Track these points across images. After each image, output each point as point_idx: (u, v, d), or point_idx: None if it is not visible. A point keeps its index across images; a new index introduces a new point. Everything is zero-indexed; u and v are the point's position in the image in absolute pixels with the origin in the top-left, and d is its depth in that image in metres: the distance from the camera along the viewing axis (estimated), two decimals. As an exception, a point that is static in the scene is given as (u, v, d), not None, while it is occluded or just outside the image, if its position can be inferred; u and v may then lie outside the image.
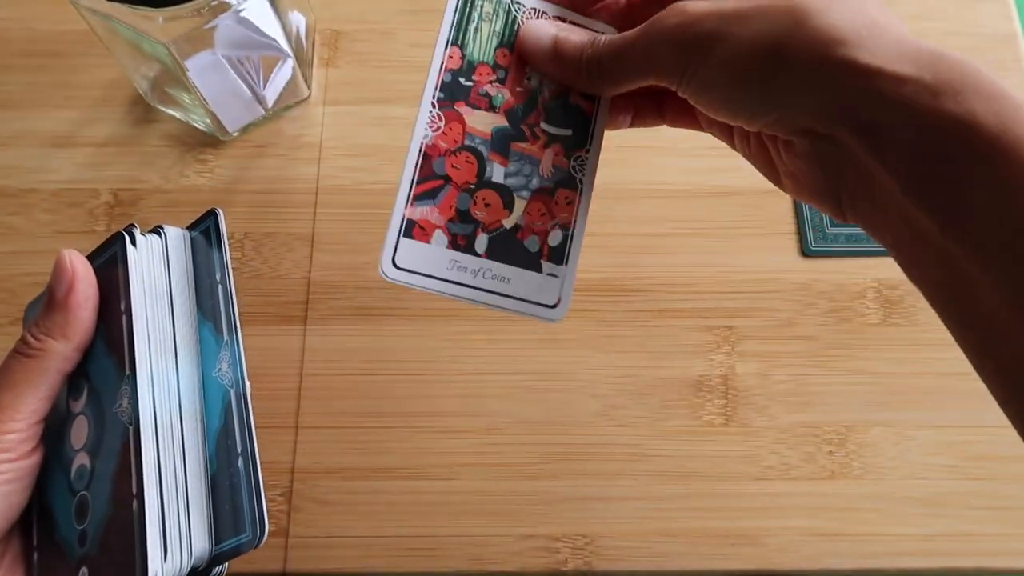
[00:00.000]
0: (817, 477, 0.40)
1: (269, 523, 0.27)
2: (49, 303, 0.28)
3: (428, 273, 0.29)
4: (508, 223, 0.30)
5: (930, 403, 0.41)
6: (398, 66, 0.48)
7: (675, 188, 0.45)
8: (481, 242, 0.30)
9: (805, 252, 0.44)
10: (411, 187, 0.30)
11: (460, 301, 0.29)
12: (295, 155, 0.46)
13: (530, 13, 0.31)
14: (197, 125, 0.46)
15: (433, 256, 0.29)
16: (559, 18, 0.31)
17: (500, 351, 0.42)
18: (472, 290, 0.29)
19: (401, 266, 0.29)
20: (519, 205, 0.30)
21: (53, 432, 0.30)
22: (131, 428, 0.27)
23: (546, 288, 0.30)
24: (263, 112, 0.46)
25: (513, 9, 0.31)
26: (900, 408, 0.41)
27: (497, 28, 0.31)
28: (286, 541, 0.39)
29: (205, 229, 0.31)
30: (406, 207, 0.29)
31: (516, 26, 0.31)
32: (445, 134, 0.30)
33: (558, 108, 0.31)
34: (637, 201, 0.45)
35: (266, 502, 0.27)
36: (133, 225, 0.30)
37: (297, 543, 0.39)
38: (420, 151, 0.30)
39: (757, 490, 0.40)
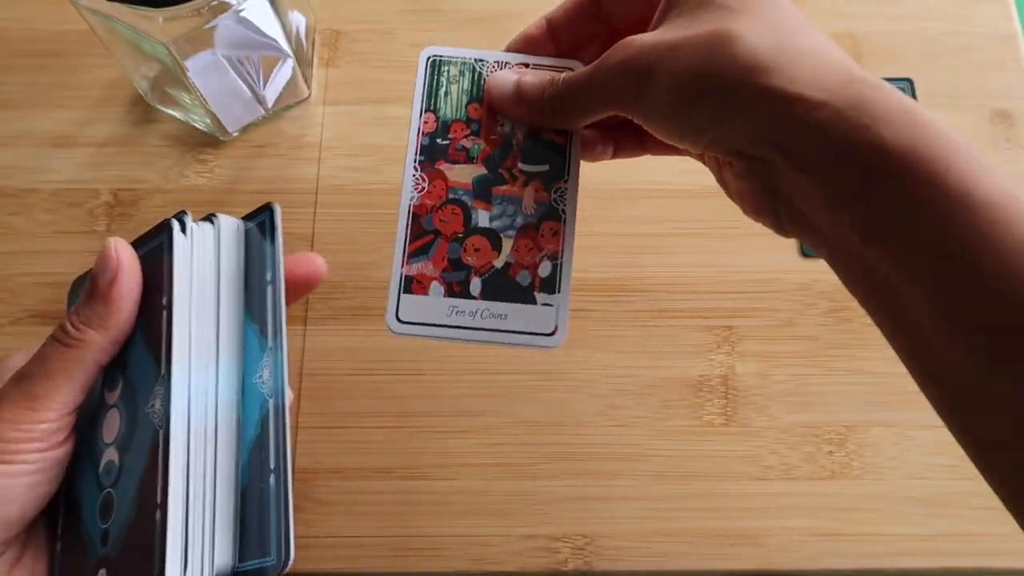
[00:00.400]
0: (817, 477, 0.40)
1: (295, 550, 0.26)
2: (91, 292, 0.28)
3: (430, 322, 0.31)
4: (498, 263, 0.32)
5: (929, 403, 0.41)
6: (398, 66, 0.48)
7: (675, 188, 0.45)
8: (475, 285, 0.32)
9: (805, 252, 0.44)
10: (405, 247, 0.32)
11: (465, 344, 0.31)
12: (295, 155, 0.46)
13: (493, 66, 0.34)
14: (197, 125, 0.46)
15: (433, 306, 0.31)
16: (523, 64, 0.34)
17: (500, 351, 0.42)
18: (473, 331, 0.31)
19: (404, 320, 0.32)
20: (507, 244, 0.32)
21: (85, 422, 0.29)
22: (161, 432, 0.26)
23: (542, 318, 0.32)
24: (263, 112, 0.46)
25: (478, 67, 0.34)
26: (900, 408, 0.41)
27: (465, 87, 0.34)
28: (286, 541, 0.39)
29: (260, 223, 0.29)
30: (403, 266, 0.32)
31: (483, 81, 0.34)
32: (430, 192, 0.33)
33: (532, 147, 0.33)
34: (637, 201, 0.45)
35: (294, 526, 0.26)
36: (185, 212, 0.28)
37: (297, 543, 0.39)
38: (409, 212, 0.32)
39: (757, 490, 0.40)
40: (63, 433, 0.27)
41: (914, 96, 0.47)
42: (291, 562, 0.25)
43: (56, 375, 0.27)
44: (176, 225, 0.27)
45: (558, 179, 0.33)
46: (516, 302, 0.32)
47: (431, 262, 0.32)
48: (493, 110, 0.33)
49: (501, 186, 0.33)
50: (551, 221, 0.33)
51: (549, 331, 0.32)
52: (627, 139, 0.34)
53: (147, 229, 0.29)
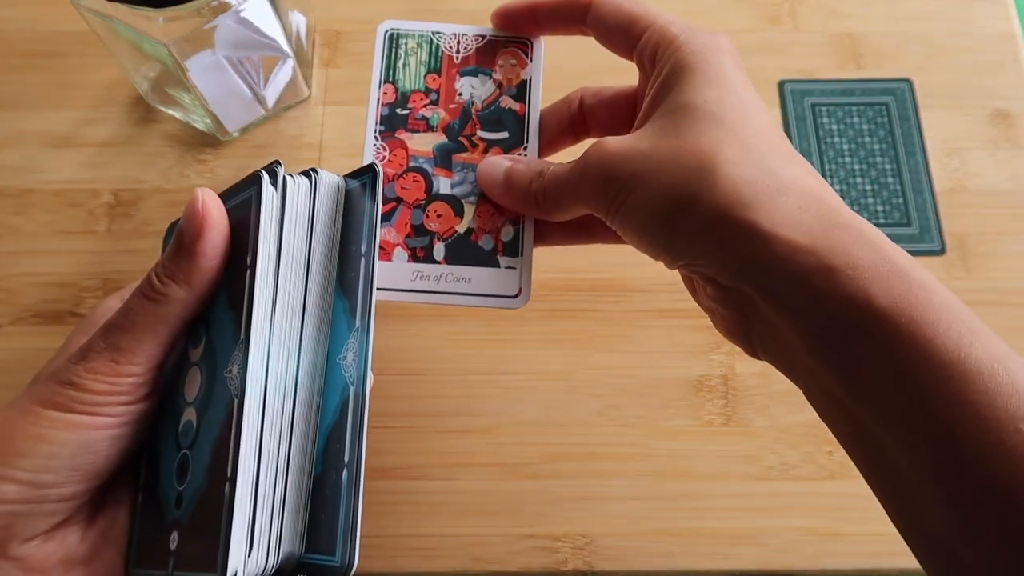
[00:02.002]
0: (817, 477, 0.40)
1: (359, 555, 0.24)
2: (177, 247, 0.27)
3: (395, 287, 0.32)
4: (461, 228, 0.33)
5: (930, 403, 0.41)
6: (398, 66, 0.48)
7: (675, 188, 0.45)
8: (439, 250, 0.33)
9: (805, 252, 0.44)
10: None
11: (431, 305, 0.32)
12: (295, 155, 0.46)
13: (450, 38, 0.35)
14: (197, 125, 0.46)
15: (397, 271, 0.32)
16: (480, 36, 0.35)
17: (500, 351, 0.42)
18: (438, 295, 0.32)
19: None
20: (468, 210, 0.33)
21: (170, 377, 0.28)
22: (236, 401, 0.24)
23: (506, 281, 0.33)
24: (263, 112, 0.46)
25: (435, 39, 0.35)
26: (900, 408, 0.41)
27: (423, 59, 0.35)
28: (286, 541, 0.39)
29: (364, 183, 0.27)
30: None
31: (440, 52, 0.35)
32: (391, 161, 0.34)
33: (491, 115, 0.34)
34: (637, 201, 0.44)
35: (360, 527, 0.25)
36: (278, 162, 0.26)
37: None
38: None
39: (757, 490, 0.40)
40: (147, 387, 0.27)
41: (914, 96, 0.47)
42: (355, 566, 0.24)
43: (140, 329, 0.26)
44: (266, 177, 0.25)
45: (517, 146, 0.34)
46: (480, 266, 0.33)
47: (394, 228, 0.33)
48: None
49: (461, 153, 0.34)
50: None
51: (513, 293, 0.33)
52: (573, 228, 0.34)
53: (237, 182, 0.27)
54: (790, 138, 0.46)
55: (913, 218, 0.44)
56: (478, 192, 0.33)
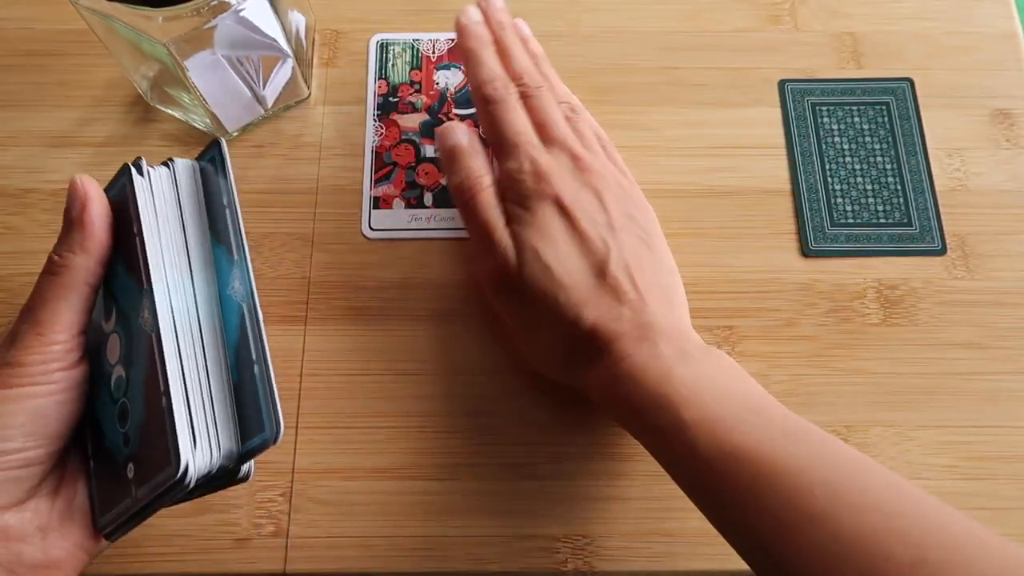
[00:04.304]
0: (817, 477, 0.40)
1: (284, 423, 0.29)
2: (66, 224, 0.31)
3: (395, 228, 0.44)
4: (444, 181, 0.45)
5: (930, 403, 0.41)
6: (398, 66, 0.48)
7: (675, 188, 0.45)
8: (428, 198, 0.44)
9: (805, 252, 0.44)
10: (372, 175, 0.45)
11: (426, 240, 0.43)
12: (295, 155, 0.46)
13: (428, 43, 0.48)
14: (197, 125, 0.46)
15: (396, 216, 0.44)
16: (452, 49, 0.48)
17: (500, 351, 0.42)
18: (430, 231, 0.44)
19: (376, 228, 0.44)
20: None
21: (92, 350, 0.32)
22: (153, 336, 0.30)
23: None
24: (263, 112, 0.46)
25: (416, 45, 0.48)
26: (900, 408, 0.41)
27: (408, 59, 0.48)
28: (286, 541, 0.39)
29: (211, 158, 0.34)
30: (371, 189, 0.45)
31: (420, 54, 0.48)
32: (387, 136, 0.46)
33: (462, 96, 0.47)
34: (637, 201, 0.44)
35: (279, 402, 0.29)
36: (140, 158, 0.32)
37: (297, 543, 0.39)
38: (372, 152, 0.46)
39: (757, 490, 0.39)
40: (76, 353, 0.31)
41: (915, 95, 0.47)
42: (281, 434, 0.29)
43: (53, 301, 0.31)
44: (133, 169, 0.32)
45: None
46: None
47: (392, 184, 0.45)
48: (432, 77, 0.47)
49: (441, 127, 0.43)
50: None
51: None
52: None
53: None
54: (790, 138, 0.46)
55: (914, 218, 0.44)
56: None
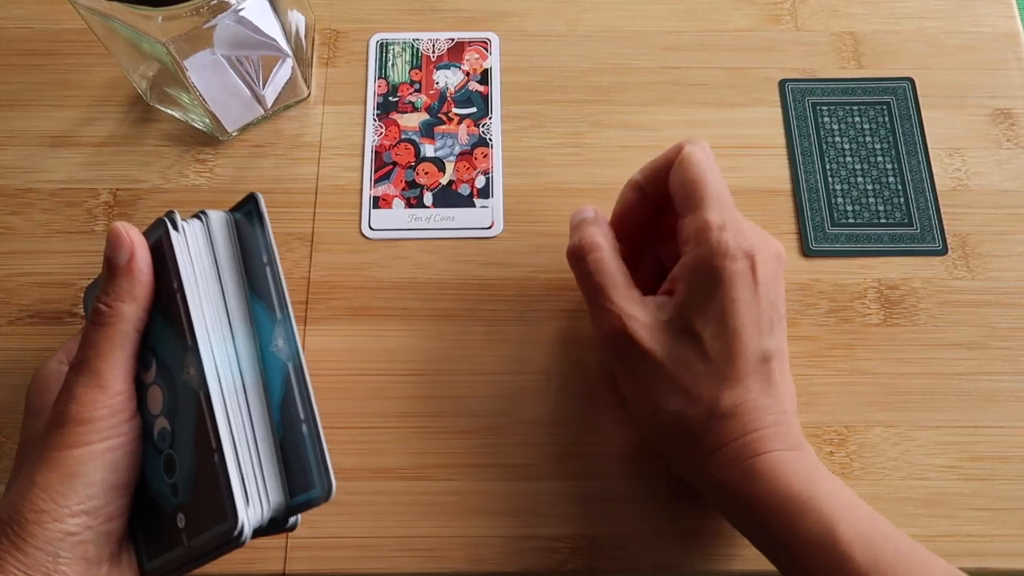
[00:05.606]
0: (817, 477, 0.40)
1: (335, 479, 0.30)
2: (111, 272, 0.31)
3: (394, 228, 0.44)
4: (444, 180, 0.44)
5: (930, 403, 0.41)
6: (398, 65, 0.48)
7: (675, 188, 0.45)
8: (428, 198, 0.44)
9: (806, 252, 0.44)
10: (371, 175, 0.45)
11: (425, 240, 0.43)
12: (295, 155, 0.46)
13: (428, 42, 0.48)
14: (196, 125, 0.46)
15: (396, 216, 0.44)
16: (452, 48, 0.48)
17: (500, 351, 0.42)
18: (429, 231, 0.44)
19: (376, 228, 0.44)
20: (449, 166, 0.45)
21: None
22: (201, 392, 0.30)
23: (482, 216, 0.44)
24: (262, 112, 0.46)
25: (415, 44, 0.48)
26: (900, 408, 0.41)
27: (408, 59, 0.47)
28: (286, 541, 0.39)
29: (247, 212, 0.33)
30: (371, 189, 0.44)
31: (420, 53, 0.47)
32: (387, 135, 0.45)
33: (462, 96, 0.46)
34: (637, 201, 0.44)
35: (330, 460, 0.30)
36: (173, 212, 0.32)
37: (297, 543, 0.39)
38: (373, 151, 0.45)
39: (757, 490, 0.39)
40: (134, 402, 0.31)
41: (915, 95, 0.47)
42: (334, 491, 0.30)
43: (110, 351, 0.30)
44: (169, 224, 0.31)
45: (483, 116, 0.46)
46: (460, 207, 0.44)
47: (392, 184, 0.44)
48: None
49: (441, 126, 0.45)
50: (481, 147, 0.45)
51: (487, 225, 0.44)
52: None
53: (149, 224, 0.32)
54: (791, 137, 0.46)
55: (914, 218, 0.44)
56: (456, 153, 0.45)
